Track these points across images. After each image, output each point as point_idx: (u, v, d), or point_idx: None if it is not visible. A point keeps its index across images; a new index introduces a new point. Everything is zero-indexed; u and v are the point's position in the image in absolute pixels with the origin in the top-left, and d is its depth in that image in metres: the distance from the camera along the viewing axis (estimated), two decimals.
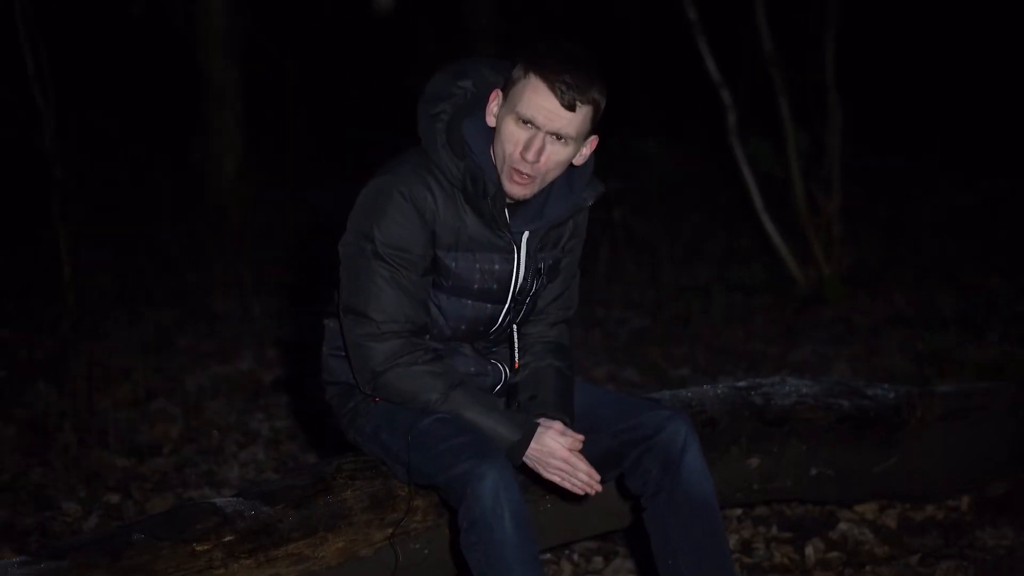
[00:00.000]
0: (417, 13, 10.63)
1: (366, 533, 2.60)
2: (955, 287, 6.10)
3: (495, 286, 2.59)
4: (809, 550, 3.27)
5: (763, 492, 3.24)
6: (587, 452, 2.52)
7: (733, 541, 3.35)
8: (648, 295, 6.23)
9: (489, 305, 2.62)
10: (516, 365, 2.70)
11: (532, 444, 2.49)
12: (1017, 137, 8.47)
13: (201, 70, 7.60)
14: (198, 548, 2.42)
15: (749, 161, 6.10)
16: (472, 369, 2.65)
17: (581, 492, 2.51)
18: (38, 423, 4.31)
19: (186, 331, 5.64)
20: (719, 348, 5.40)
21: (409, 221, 2.49)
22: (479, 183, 2.49)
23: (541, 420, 2.53)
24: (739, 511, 3.52)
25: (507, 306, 2.63)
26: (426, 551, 2.68)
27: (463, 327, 2.63)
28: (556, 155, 2.45)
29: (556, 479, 2.51)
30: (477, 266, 2.57)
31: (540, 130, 2.42)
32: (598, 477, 2.50)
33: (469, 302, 2.60)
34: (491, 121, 2.50)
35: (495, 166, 2.50)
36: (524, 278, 2.62)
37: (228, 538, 2.45)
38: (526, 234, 2.59)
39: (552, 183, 2.54)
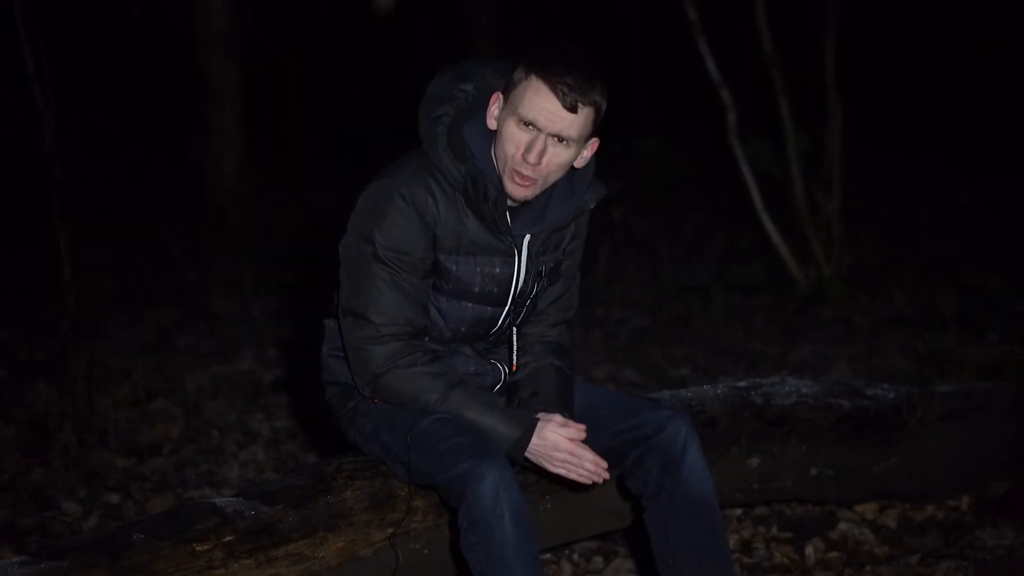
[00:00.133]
0: (417, 13, 10.63)
1: (366, 533, 2.60)
2: (955, 287, 6.10)
3: (495, 289, 2.59)
4: (809, 550, 3.27)
5: (763, 492, 3.24)
6: None
7: (733, 541, 3.35)
8: (648, 295, 6.23)
9: (489, 308, 2.62)
10: (514, 367, 2.70)
11: (534, 439, 2.49)
12: (1017, 137, 8.47)
13: (201, 70, 7.60)
14: (198, 548, 2.42)
15: (749, 161, 6.10)
16: (472, 369, 2.65)
17: (588, 481, 2.51)
18: (38, 423, 4.31)
19: (186, 331, 5.64)
20: (719, 348, 5.40)
21: (410, 224, 2.49)
22: (480, 187, 2.49)
23: (540, 415, 2.53)
24: (739, 511, 3.52)
25: (507, 309, 2.63)
26: (426, 551, 2.68)
27: (463, 329, 2.63)
28: (557, 157, 2.45)
29: (562, 471, 2.51)
30: (478, 269, 2.57)
31: (541, 132, 2.42)
32: (604, 464, 2.50)
33: (469, 305, 2.60)
34: (492, 124, 2.50)
35: (496, 169, 2.50)
36: (524, 281, 2.62)
37: (228, 538, 2.45)
38: (527, 237, 2.59)
39: (553, 186, 2.54)
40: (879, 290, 6.11)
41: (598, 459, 2.50)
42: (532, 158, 2.42)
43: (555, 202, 2.57)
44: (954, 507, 3.51)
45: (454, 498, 2.42)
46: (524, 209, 2.56)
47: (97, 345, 5.06)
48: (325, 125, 9.57)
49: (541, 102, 2.40)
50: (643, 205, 7.59)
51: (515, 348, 2.70)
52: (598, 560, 3.31)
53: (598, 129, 2.50)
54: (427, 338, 2.59)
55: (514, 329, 2.69)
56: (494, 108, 2.49)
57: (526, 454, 2.51)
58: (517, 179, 2.46)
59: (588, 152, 2.54)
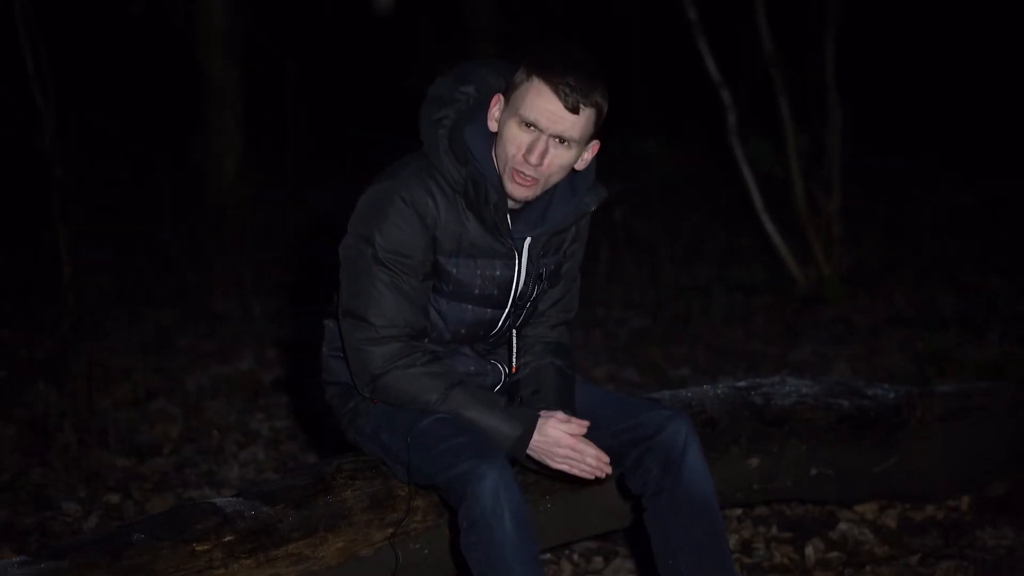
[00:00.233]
0: (417, 13, 10.62)
1: (366, 533, 2.60)
2: (955, 287, 6.10)
3: (496, 291, 2.59)
4: (809, 550, 3.27)
5: (763, 492, 3.24)
6: None
7: (733, 541, 3.35)
8: (648, 295, 6.23)
9: (489, 310, 2.62)
10: (513, 369, 2.70)
11: (535, 435, 2.50)
12: (1017, 137, 8.47)
13: (201, 70, 7.60)
14: (198, 548, 2.42)
15: (749, 161, 6.10)
16: (472, 369, 2.65)
17: (591, 476, 2.51)
18: (38, 423, 4.31)
19: (186, 331, 5.64)
20: (719, 348, 5.39)
21: (410, 226, 2.49)
22: (481, 190, 2.49)
23: (541, 412, 2.54)
24: (739, 511, 3.52)
25: (507, 311, 2.63)
26: (426, 551, 2.68)
27: (463, 331, 2.63)
28: (559, 158, 2.45)
29: (565, 467, 2.51)
30: (478, 272, 2.57)
31: (543, 133, 2.42)
32: (607, 459, 2.50)
33: (469, 307, 2.60)
34: (493, 126, 2.50)
35: (497, 172, 2.50)
36: (525, 283, 2.62)
37: (228, 538, 2.45)
38: (528, 240, 2.58)
39: (554, 188, 2.54)
40: (879, 290, 6.11)
41: (600, 454, 2.50)
42: (534, 159, 2.42)
43: (556, 204, 2.57)
44: (954, 507, 3.51)
45: (454, 498, 2.42)
46: (525, 211, 2.56)
47: (97, 345, 5.06)
48: (325, 125, 9.57)
49: (543, 103, 2.40)
50: (643, 205, 7.59)
51: (514, 350, 2.70)
52: (598, 560, 3.31)
53: (599, 131, 2.50)
54: (427, 339, 2.59)
55: (514, 331, 2.69)
56: (495, 110, 2.49)
57: (527, 451, 2.51)
58: (518, 179, 2.45)
59: (589, 154, 2.54)
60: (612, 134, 2.61)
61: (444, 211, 2.52)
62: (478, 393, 2.55)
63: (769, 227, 6.10)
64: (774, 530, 3.43)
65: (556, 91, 2.39)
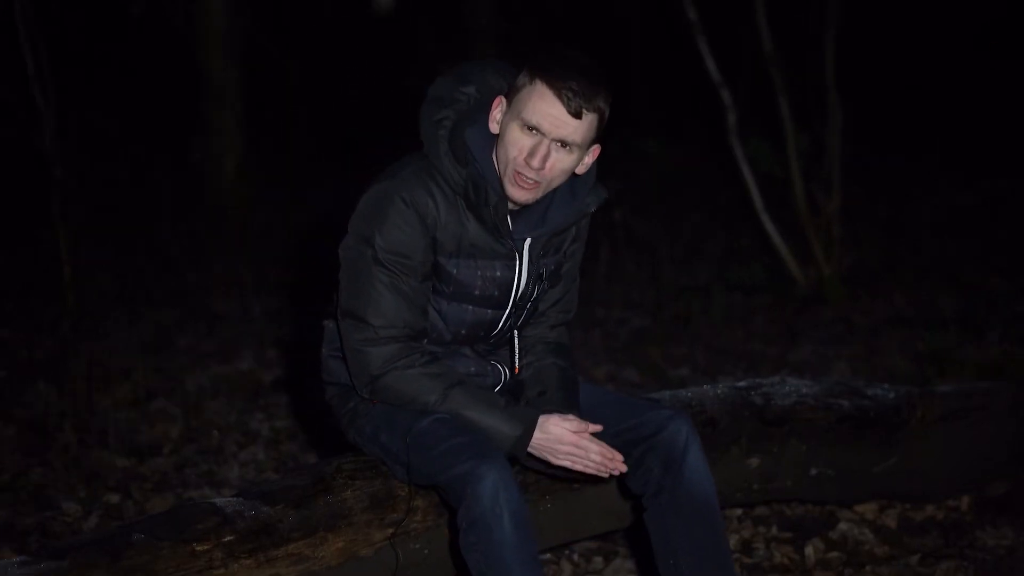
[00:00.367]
0: (417, 13, 10.62)
1: (366, 533, 2.60)
2: (955, 287, 6.10)
3: (496, 292, 2.59)
4: (809, 550, 3.27)
5: (763, 492, 3.24)
6: None
7: (733, 541, 3.35)
8: (648, 295, 6.23)
9: (490, 311, 2.62)
10: (517, 370, 2.70)
11: (536, 434, 2.50)
12: (1017, 137, 8.47)
13: (201, 70, 7.60)
14: (198, 548, 2.42)
15: (749, 161, 6.10)
16: (472, 370, 2.65)
17: (596, 472, 2.51)
18: (38, 423, 4.31)
19: (186, 331, 5.64)
20: (719, 348, 5.39)
21: (410, 227, 2.49)
22: (481, 191, 2.49)
23: (544, 411, 2.54)
24: (739, 511, 3.52)
25: (508, 311, 2.63)
26: (426, 551, 2.68)
27: (463, 332, 2.63)
28: (561, 162, 2.45)
29: (567, 463, 2.51)
30: (479, 272, 2.57)
31: (546, 137, 2.42)
32: (618, 456, 2.50)
33: (470, 307, 2.60)
34: (494, 128, 2.50)
35: (497, 173, 2.50)
36: (526, 284, 2.62)
37: (228, 538, 2.45)
38: (528, 240, 2.59)
39: (555, 190, 2.54)
40: (879, 290, 6.11)
41: (607, 450, 2.49)
42: (536, 163, 2.42)
43: (556, 206, 2.57)
44: (954, 507, 3.51)
45: (454, 498, 2.43)
46: (525, 212, 2.56)
47: (97, 345, 5.06)
48: (325, 125, 9.57)
49: (546, 107, 2.40)
50: (643, 205, 7.59)
51: (517, 350, 2.70)
52: (598, 560, 3.31)
53: (601, 135, 2.50)
54: (426, 340, 2.59)
55: (515, 331, 2.69)
56: (496, 112, 2.49)
57: (529, 450, 2.51)
58: (520, 182, 2.45)
59: (590, 158, 2.54)
60: (612, 134, 2.61)
61: (444, 212, 2.51)
62: (478, 393, 2.54)
63: (769, 227, 6.10)
64: (774, 530, 3.43)
65: (559, 95, 2.39)
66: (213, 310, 5.99)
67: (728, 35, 6.69)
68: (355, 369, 2.57)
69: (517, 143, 2.43)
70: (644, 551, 2.71)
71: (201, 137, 7.74)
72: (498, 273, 2.58)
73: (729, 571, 2.59)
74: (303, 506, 2.55)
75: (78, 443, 4.15)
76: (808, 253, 6.08)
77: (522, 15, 9.72)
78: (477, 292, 2.58)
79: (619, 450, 2.57)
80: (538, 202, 2.53)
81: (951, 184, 8.27)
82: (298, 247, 6.89)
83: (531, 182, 2.45)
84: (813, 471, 3.26)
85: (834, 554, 3.26)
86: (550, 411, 2.54)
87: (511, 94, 2.46)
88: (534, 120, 2.41)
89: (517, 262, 2.59)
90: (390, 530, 2.62)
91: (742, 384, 3.30)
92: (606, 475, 2.53)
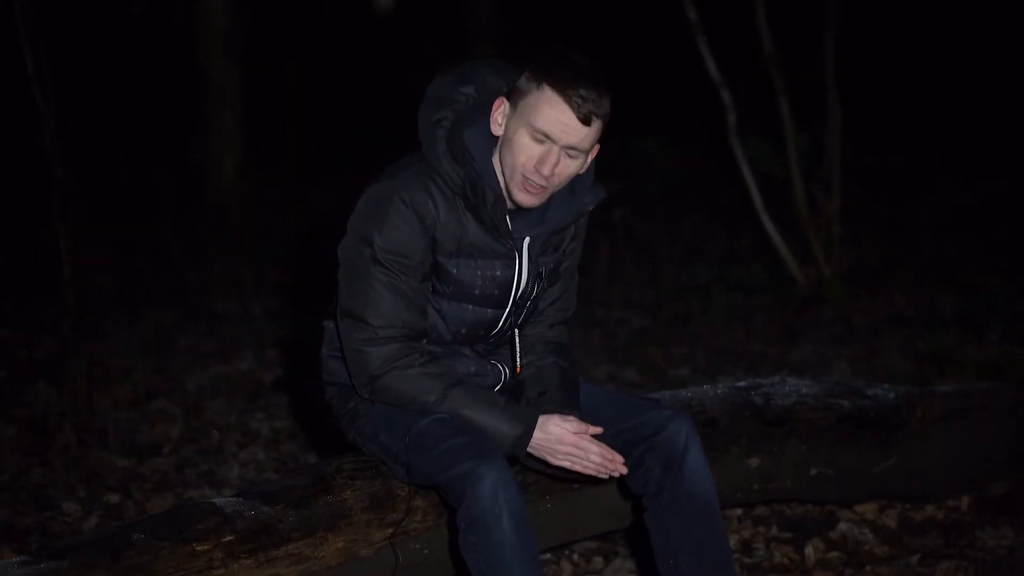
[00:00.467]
0: (417, 13, 10.63)
1: (366, 533, 2.60)
2: (955, 287, 6.10)
3: (496, 291, 2.60)
4: (809, 550, 3.27)
5: (763, 492, 3.24)
6: None
7: (733, 541, 3.35)
8: (648, 295, 6.23)
9: (490, 310, 2.62)
10: (518, 370, 2.70)
11: (536, 433, 2.50)
12: (1017, 137, 8.46)
13: (201, 70, 7.60)
14: (198, 548, 2.42)
15: (749, 161, 6.10)
16: (472, 369, 2.65)
17: (595, 472, 2.51)
18: (38, 423, 4.31)
19: (186, 331, 5.64)
20: (719, 348, 5.39)
21: (410, 227, 2.49)
22: (479, 191, 2.49)
23: (544, 411, 2.53)
24: (739, 511, 3.52)
25: (508, 310, 2.64)
26: (426, 551, 2.68)
27: (463, 331, 2.63)
28: (568, 168, 2.46)
29: (566, 464, 2.51)
30: (479, 272, 2.57)
31: (556, 144, 2.42)
32: (619, 458, 2.50)
33: (470, 307, 2.60)
34: (496, 130, 2.50)
35: (495, 174, 2.50)
36: (525, 283, 2.62)
37: (228, 538, 2.45)
38: (527, 239, 2.59)
39: None
40: (879, 290, 6.11)
41: (607, 451, 2.49)
42: (546, 171, 2.43)
43: (555, 205, 2.57)
44: (954, 507, 3.51)
45: (454, 498, 2.43)
46: (524, 212, 2.56)
47: (97, 345, 5.06)
48: (325, 125, 9.57)
49: (556, 114, 2.40)
50: (643, 205, 7.59)
51: (518, 349, 2.70)
52: (598, 560, 3.31)
53: (601, 137, 2.51)
54: (425, 340, 2.59)
55: (516, 330, 2.69)
56: (498, 115, 2.49)
57: (528, 450, 2.51)
58: (528, 187, 2.46)
59: (589, 158, 2.54)
60: (612, 134, 2.62)
61: (444, 212, 2.52)
62: (477, 392, 2.54)
63: (769, 227, 6.10)
64: (774, 530, 3.43)
65: (569, 102, 2.39)
66: (213, 310, 5.99)
67: (728, 35, 6.69)
68: (354, 369, 2.57)
69: (527, 150, 2.43)
70: (644, 551, 2.71)
71: (201, 137, 7.74)
72: (498, 272, 2.58)
73: (729, 571, 2.59)
74: (303, 506, 2.55)
75: (78, 443, 4.15)
76: (808, 253, 6.08)
77: (522, 15, 9.73)
78: (477, 291, 2.58)
79: (619, 450, 2.57)
80: None
81: (951, 184, 8.27)
82: (298, 247, 6.89)
83: (539, 188, 2.46)
84: (813, 471, 3.26)
85: (834, 554, 3.26)
86: (550, 411, 2.54)
87: (515, 97, 2.45)
88: (545, 127, 2.41)
89: (516, 261, 2.59)
90: (390, 530, 2.62)
91: (742, 384, 3.30)
92: (605, 476, 2.53)
